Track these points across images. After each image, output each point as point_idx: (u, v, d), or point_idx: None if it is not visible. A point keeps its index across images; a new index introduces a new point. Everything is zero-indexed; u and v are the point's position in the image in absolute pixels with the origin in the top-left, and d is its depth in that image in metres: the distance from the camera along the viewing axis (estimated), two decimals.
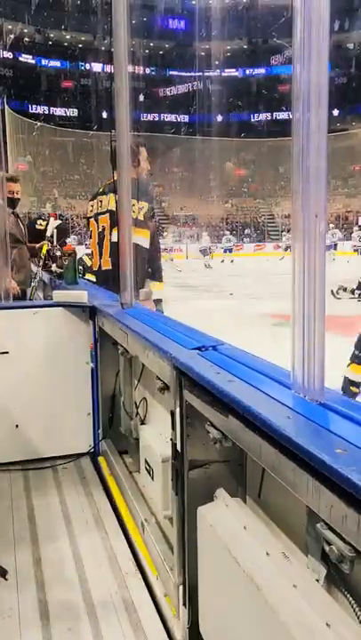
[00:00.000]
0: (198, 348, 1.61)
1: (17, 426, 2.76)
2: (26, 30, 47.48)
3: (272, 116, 52.07)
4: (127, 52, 2.50)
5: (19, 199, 4.89)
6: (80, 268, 3.74)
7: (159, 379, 1.79)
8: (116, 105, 2.50)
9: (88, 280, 3.70)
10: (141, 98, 47.51)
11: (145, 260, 3.08)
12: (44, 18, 46.96)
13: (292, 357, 1.15)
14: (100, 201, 3.34)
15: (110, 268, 3.22)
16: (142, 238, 3.06)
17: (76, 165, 47.42)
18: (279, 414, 1.04)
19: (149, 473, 2.02)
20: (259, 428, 1.07)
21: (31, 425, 2.78)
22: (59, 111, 49.49)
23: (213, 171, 47.66)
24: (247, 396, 1.15)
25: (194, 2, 49.15)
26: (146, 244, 3.07)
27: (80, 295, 2.87)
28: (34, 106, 47.11)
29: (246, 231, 42.32)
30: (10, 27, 44.66)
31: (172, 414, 1.59)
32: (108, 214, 3.24)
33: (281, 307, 10.56)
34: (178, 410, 1.55)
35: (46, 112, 48.41)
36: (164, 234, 32.62)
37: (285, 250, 30.98)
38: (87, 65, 49.88)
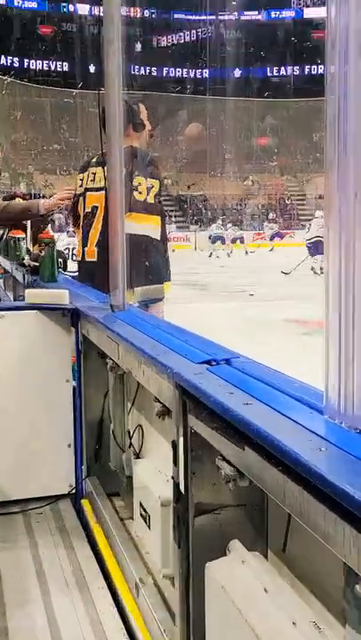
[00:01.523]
0: (207, 362, 1.61)
1: None
2: None
3: (303, 70, 52.31)
4: None
5: None
6: (60, 261, 3.76)
7: (158, 400, 1.80)
8: (106, 55, 2.52)
9: (70, 276, 3.72)
10: (138, 47, 47.76)
11: (154, 254, 3.07)
12: None
13: (326, 375, 1.15)
14: (93, 174, 3.33)
15: (95, 259, 3.22)
16: (152, 227, 3.05)
17: (56, 132, 47.70)
18: (309, 445, 1.04)
19: (145, 520, 2.03)
20: (283, 463, 1.07)
21: (4, 460, 2.80)
22: (35, 64, 49.82)
23: (230, 139, 47.89)
24: (269, 423, 1.16)
25: None
26: (157, 234, 3.07)
27: (59, 295, 2.89)
28: (3, 57, 47.39)
29: (271, 215, 42.40)
30: None
31: (174, 446, 1.60)
32: (102, 192, 3.21)
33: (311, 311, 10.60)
34: (181, 440, 1.56)
35: (19, 65, 48.74)
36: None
37: (271, 239, 31.59)
38: (70, 6, 50.27)
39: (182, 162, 46.72)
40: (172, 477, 1.61)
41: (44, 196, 7.10)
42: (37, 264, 4.19)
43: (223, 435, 1.33)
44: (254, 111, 49.91)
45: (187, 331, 2.07)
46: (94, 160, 3.39)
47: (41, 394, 2.86)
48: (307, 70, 52.10)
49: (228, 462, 1.35)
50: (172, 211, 39.24)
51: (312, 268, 20.17)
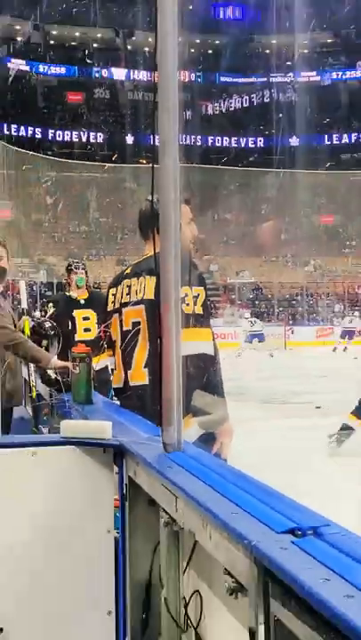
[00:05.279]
0: (292, 532, 1.60)
1: (1, 630, 2.74)
2: (18, 27, 51.21)
3: None
4: (176, 52, 2.56)
5: (5, 269, 5.19)
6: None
7: (229, 574, 1.77)
8: (161, 125, 2.51)
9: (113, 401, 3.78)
10: (187, 116, 49.08)
11: (212, 373, 3.16)
12: (45, 10, 50.69)
13: None
14: (128, 287, 3.47)
15: (145, 382, 3.30)
16: (205, 343, 3.16)
17: (85, 212, 49.18)
18: None
19: None
20: None
21: (24, 629, 2.75)
22: (62, 135, 52.09)
23: (286, 218, 48.72)
24: None
25: None
26: (210, 349, 3.16)
27: (101, 428, 2.88)
28: (24, 128, 49.63)
29: (337, 308, 42.36)
30: None
31: (253, 634, 1.57)
32: (142, 306, 3.36)
33: None
34: (262, 629, 1.53)
35: (43, 136, 51.01)
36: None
37: (343, 338, 31.42)
38: (104, 71, 52.94)
39: (230, 243, 47.55)
40: None
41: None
42: (65, 379, 4.30)
43: (319, 633, 1.30)
44: (312, 186, 50.47)
45: (260, 482, 2.06)
46: (129, 271, 3.54)
47: (77, 547, 2.80)
48: None
49: None
50: (218, 301, 39.65)
51: None
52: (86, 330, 6.67)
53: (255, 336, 31.33)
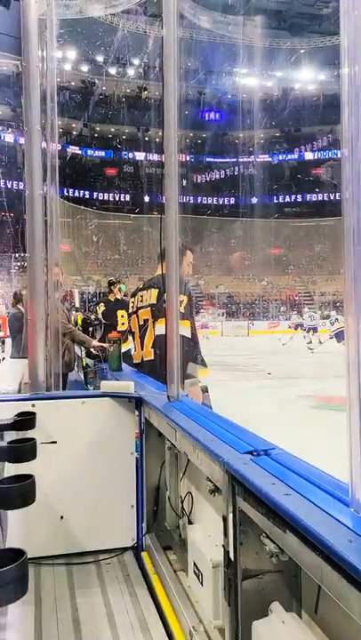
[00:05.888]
0: (250, 452, 1.61)
1: (62, 517, 2.74)
2: (73, 125, 51.18)
3: (303, 197, 53.64)
4: (176, 141, 2.63)
5: (61, 283, 5.13)
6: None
7: (210, 480, 1.79)
8: (166, 189, 2.55)
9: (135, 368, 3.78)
10: (184, 183, 49.44)
11: (187, 348, 3.16)
12: (90, 113, 50.85)
13: (351, 468, 1.13)
14: (141, 296, 3.50)
15: (152, 358, 3.30)
16: (184, 329, 3.14)
17: (117, 246, 49.33)
18: (340, 537, 1.03)
19: (198, 577, 1.97)
20: (319, 549, 1.06)
21: (76, 516, 2.75)
22: (102, 196, 52.11)
23: (248, 250, 48.80)
24: (305, 514, 1.15)
25: (230, 96, 52.48)
26: (188, 333, 3.16)
27: (126, 386, 2.90)
28: (77, 191, 49.54)
29: (282, 309, 42.51)
30: (59, 122, 47.79)
31: (225, 520, 1.58)
32: (149, 308, 3.38)
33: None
34: (231, 516, 1.54)
35: (90, 197, 51.00)
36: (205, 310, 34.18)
37: (295, 328, 28.09)
38: (130, 154, 53.13)
39: (212, 267, 47.72)
40: (223, 546, 1.58)
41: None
42: (97, 353, 4.30)
43: (267, 518, 1.31)
44: (270, 228, 50.47)
45: (230, 421, 2.07)
46: (141, 286, 3.59)
47: (111, 464, 2.83)
48: (306, 197, 53.41)
49: (272, 540, 1.33)
50: (204, 305, 39.86)
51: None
52: (122, 323, 6.72)
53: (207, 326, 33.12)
